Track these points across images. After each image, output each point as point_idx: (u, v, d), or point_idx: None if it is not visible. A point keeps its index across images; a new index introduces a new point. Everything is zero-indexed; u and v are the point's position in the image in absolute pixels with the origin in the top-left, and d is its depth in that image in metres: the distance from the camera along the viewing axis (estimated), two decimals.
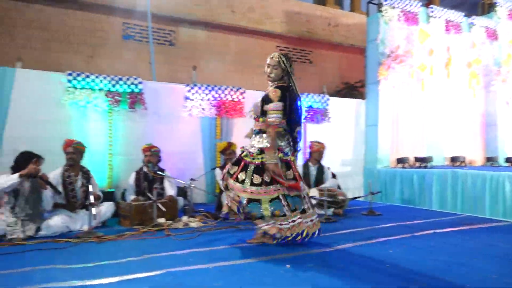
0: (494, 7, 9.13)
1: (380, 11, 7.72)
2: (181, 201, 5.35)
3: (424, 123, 8.23)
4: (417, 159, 7.72)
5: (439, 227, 4.45)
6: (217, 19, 10.16)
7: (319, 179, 5.91)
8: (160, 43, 9.73)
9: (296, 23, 11.34)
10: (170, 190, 5.18)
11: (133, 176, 5.22)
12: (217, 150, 6.47)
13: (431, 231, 4.22)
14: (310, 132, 7.48)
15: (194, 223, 4.59)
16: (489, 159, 8.62)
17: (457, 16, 8.46)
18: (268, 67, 3.61)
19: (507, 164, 8.18)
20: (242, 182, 3.48)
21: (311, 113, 7.54)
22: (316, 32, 11.70)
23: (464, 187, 6.15)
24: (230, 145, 5.71)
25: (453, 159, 8.25)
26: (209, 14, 10.09)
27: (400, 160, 7.69)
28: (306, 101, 7.50)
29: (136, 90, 6.07)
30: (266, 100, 3.54)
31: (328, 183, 5.90)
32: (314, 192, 5.45)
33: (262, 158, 3.50)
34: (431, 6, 8.38)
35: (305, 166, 5.99)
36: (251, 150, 3.55)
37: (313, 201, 5.45)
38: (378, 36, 7.67)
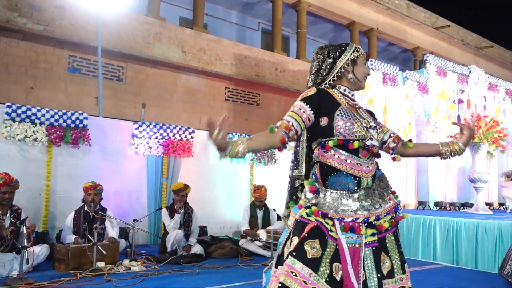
0: (424, 63, 10.07)
1: None
2: (122, 243, 5.14)
3: None
4: None
5: None
6: (167, 58, 10.23)
7: (266, 222, 5.99)
8: (107, 78, 9.55)
9: (246, 66, 11.71)
10: (111, 231, 4.96)
11: (71, 216, 4.96)
12: (171, 189, 5.94)
13: None
14: (257, 174, 7.60)
15: (136, 267, 4.41)
16: (420, 203, 9.19)
17: (393, 70, 9.20)
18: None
19: (436, 208, 8.76)
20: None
21: (258, 154, 7.69)
22: (264, 76, 12.13)
23: (400, 230, 6.45)
24: (186, 187, 5.44)
25: None
26: (160, 52, 10.15)
27: None
28: None
29: (81, 125, 5.89)
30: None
31: (276, 225, 5.98)
32: (262, 234, 5.49)
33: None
34: (371, 59, 9.07)
35: (251, 209, 6.05)
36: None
37: (260, 244, 5.48)
38: None
